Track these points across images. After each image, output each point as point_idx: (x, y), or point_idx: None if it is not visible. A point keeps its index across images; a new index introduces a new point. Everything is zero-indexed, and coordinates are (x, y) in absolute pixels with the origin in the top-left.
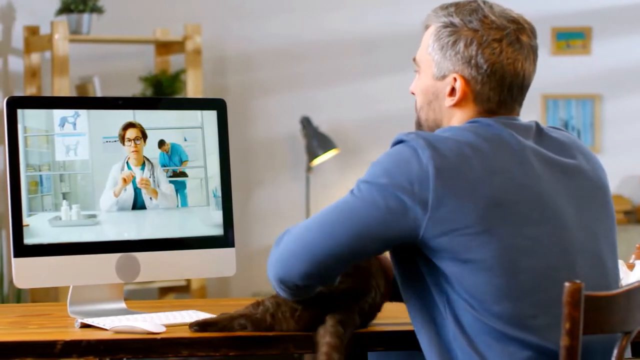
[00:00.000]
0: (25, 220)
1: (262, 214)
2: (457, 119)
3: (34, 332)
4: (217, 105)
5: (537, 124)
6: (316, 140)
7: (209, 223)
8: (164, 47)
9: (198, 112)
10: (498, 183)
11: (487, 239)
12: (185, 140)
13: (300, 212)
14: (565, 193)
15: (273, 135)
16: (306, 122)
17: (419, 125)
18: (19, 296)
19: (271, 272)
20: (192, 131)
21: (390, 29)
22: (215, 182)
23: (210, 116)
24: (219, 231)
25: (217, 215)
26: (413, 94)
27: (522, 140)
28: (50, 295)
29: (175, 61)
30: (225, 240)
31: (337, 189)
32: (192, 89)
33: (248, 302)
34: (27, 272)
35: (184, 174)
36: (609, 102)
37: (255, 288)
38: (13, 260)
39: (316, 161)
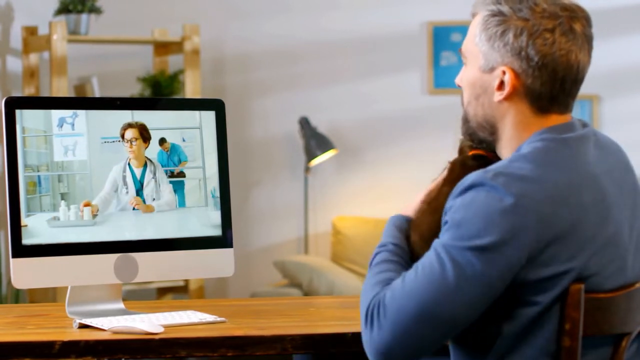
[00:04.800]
0: (24, 220)
1: (260, 214)
2: (510, 118)
3: (32, 332)
4: (216, 106)
5: (593, 132)
6: (314, 141)
7: (207, 223)
8: (162, 48)
9: (196, 113)
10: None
11: None
12: (184, 140)
13: (298, 212)
14: (625, 207)
15: (271, 136)
16: (304, 123)
17: (466, 120)
18: (17, 296)
19: None
20: (191, 131)
21: (388, 29)
22: (213, 182)
23: (209, 116)
24: (217, 231)
25: (216, 216)
26: (459, 86)
27: (591, 166)
28: (48, 295)
29: (173, 61)
30: (223, 240)
31: (335, 189)
32: (191, 90)
33: (246, 302)
34: (25, 273)
35: (182, 174)
36: (607, 103)
37: (253, 288)
38: (11, 260)
39: (314, 161)
